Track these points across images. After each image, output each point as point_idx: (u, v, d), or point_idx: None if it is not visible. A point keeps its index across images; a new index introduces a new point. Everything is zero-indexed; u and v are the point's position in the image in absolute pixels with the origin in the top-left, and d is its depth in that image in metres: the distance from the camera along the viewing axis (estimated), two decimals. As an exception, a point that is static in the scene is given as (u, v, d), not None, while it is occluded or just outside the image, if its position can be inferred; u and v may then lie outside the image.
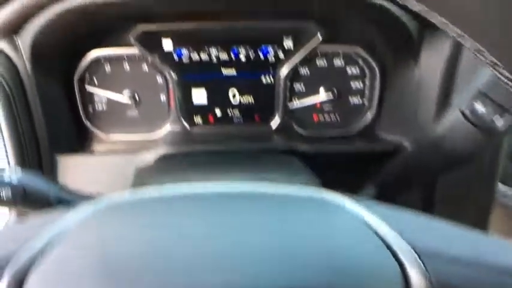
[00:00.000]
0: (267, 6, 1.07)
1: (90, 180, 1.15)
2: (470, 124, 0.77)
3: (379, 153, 1.22)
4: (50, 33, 0.99)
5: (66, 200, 0.70)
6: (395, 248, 0.49)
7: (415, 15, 0.99)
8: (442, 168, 0.97)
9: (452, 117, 0.83)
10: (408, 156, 1.13)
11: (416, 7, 0.38)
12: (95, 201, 0.56)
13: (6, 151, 0.98)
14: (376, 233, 0.52)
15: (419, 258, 0.46)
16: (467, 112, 0.77)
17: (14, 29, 0.97)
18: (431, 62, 1.06)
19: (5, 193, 0.64)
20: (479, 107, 0.74)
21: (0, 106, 0.98)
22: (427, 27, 1.04)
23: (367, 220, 0.55)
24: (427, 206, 1.18)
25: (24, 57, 1.01)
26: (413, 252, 0.48)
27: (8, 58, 1.00)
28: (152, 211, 0.54)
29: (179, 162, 0.95)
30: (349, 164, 1.25)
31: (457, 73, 1.02)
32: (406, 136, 1.17)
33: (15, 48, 1.00)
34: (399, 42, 1.09)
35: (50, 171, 1.11)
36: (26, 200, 0.66)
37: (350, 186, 1.20)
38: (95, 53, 1.17)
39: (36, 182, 0.68)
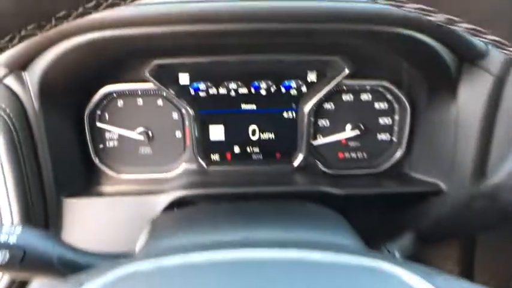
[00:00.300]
0: (293, 40, 1.00)
1: (100, 224, 1.06)
2: None
3: (412, 195, 1.12)
4: (59, 69, 0.92)
5: (70, 262, 0.60)
6: None
7: (454, 48, 0.91)
8: (494, 220, 0.87)
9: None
10: (449, 201, 1.03)
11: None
12: (105, 273, 0.47)
13: (8, 195, 0.90)
14: None
15: None
16: None
17: (22, 64, 0.91)
18: (470, 99, 0.97)
19: (2, 256, 0.55)
20: None
21: (4, 146, 0.91)
22: (465, 61, 0.95)
23: None
24: (467, 256, 1.07)
25: (32, 93, 0.94)
26: None
27: (15, 95, 0.94)
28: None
29: (198, 213, 0.86)
30: (381, 206, 1.15)
31: (500, 112, 0.93)
32: (442, 178, 1.07)
33: (23, 84, 0.93)
34: (435, 77, 1.01)
35: (55, 215, 1.03)
36: (25, 264, 0.57)
37: (385, 230, 1.11)
38: (107, 89, 1.10)
39: (38, 242, 0.60)
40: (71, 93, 1.04)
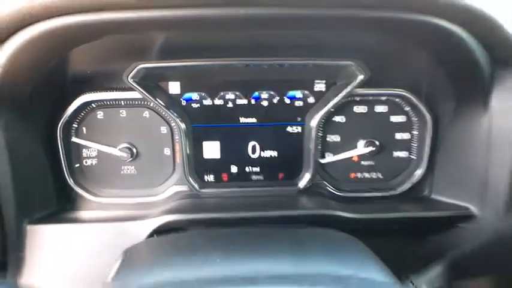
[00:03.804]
0: (301, 37, 0.87)
1: (71, 255, 0.89)
2: None
3: (437, 220, 0.97)
4: (22, 67, 0.77)
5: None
6: None
7: (490, 45, 0.78)
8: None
9: None
10: (482, 227, 0.88)
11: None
12: None
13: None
14: None
15: None
16: None
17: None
18: (506, 109, 0.84)
19: None
20: None
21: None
22: (500, 63, 0.82)
23: None
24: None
25: None
26: None
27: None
28: None
29: (182, 240, 0.68)
30: (401, 233, 1.00)
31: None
32: (472, 201, 0.92)
33: None
34: (465, 82, 0.88)
35: (16, 244, 0.85)
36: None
37: (408, 262, 0.95)
38: (85, 98, 0.96)
39: None
40: (39, 100, 0.89)
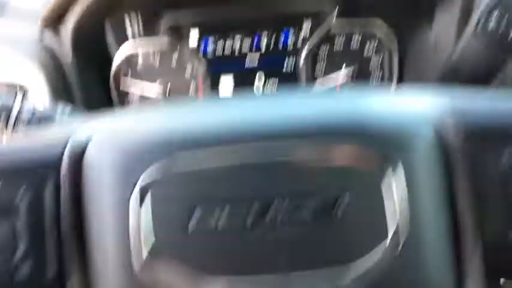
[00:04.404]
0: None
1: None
2: (483, 42, 0.78)
3: None
4: (87, 23, 1.07)
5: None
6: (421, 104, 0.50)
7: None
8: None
9: (465, 41, 0.85)
10: None
11: None
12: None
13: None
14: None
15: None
16: (479, 30, 0.79)
17: (56, 20, 1.05)
18: (444, 24, 1.11)
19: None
20: (491, 24, 0.76)
21: (48, 97, 1.04)
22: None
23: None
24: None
25: (67, 49, 1.08)
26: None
27: (52, 51, 1.08)
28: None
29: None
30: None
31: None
32: None
33: (59, 40, 1.08)
34: (414, 10, 1.16)
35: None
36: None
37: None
38: (128, 47, 1.25)
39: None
40: (95, 58, 1.19)
